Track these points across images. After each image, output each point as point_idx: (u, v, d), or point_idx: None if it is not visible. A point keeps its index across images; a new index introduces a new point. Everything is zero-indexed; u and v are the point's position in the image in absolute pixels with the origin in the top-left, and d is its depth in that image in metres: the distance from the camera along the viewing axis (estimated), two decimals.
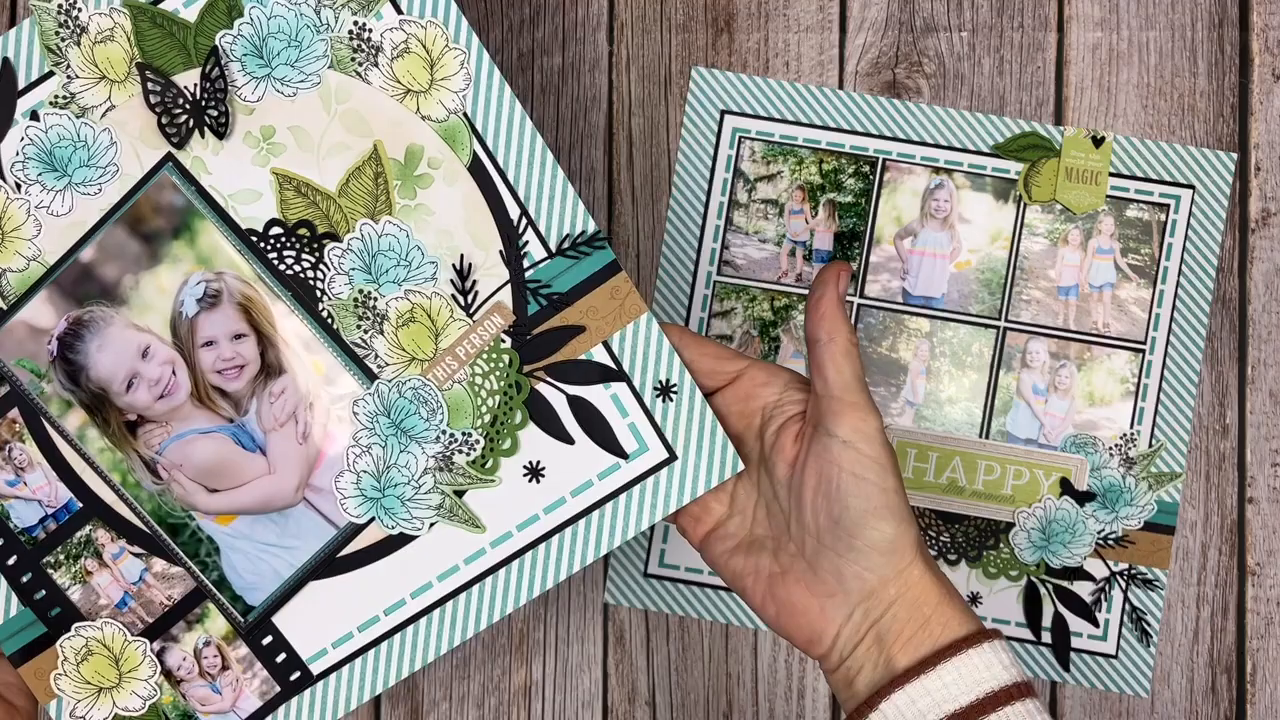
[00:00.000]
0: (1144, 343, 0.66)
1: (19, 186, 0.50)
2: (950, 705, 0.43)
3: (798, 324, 0.67)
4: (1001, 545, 0.66)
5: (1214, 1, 0.67)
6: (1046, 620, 0.66)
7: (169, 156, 0.49)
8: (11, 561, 0.51)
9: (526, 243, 0.50)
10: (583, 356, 0.50)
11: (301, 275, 0.49)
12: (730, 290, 0.67)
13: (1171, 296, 0.66)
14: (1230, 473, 0.67)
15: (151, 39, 0.49)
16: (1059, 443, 0.66)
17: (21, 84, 0.50)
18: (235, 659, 0.51)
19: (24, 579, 0.51)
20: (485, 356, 0.50)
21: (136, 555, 0.51)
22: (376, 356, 0.50)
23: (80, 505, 0.51)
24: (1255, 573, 0.66)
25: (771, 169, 0.67)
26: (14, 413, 0.51)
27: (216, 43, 0.49)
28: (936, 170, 0.67)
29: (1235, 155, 0.67)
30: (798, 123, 0.67)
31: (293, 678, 0.51)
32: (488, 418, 0.50)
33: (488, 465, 0.50)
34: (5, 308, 0.50)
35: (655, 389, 0.50)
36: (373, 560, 0.51)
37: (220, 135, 0.49)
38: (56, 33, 0.49)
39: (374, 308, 0.50)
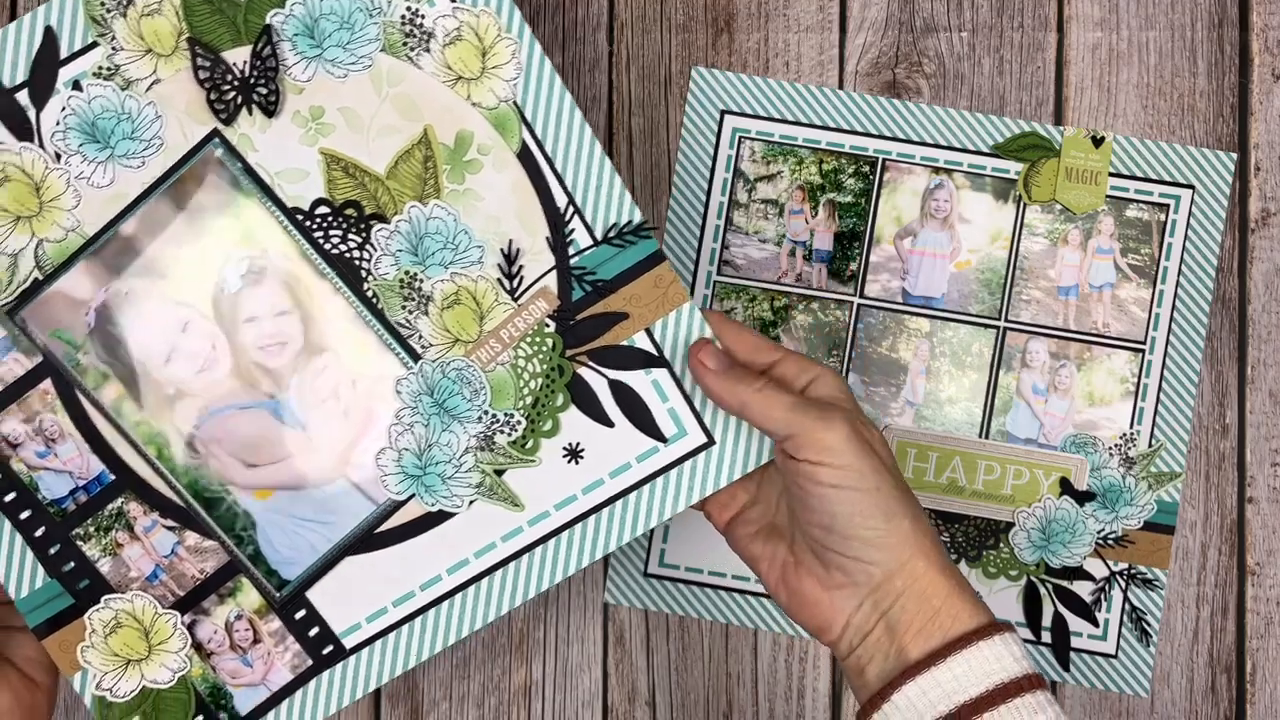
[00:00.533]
0: (1144, 343, 0.66)
1: (59, 156, 0.49)
2: (961, 696, 0.44)
3: (797, 324, 0.67)
4: (1001, 545, 0.66)
5: (1214, 1, 0.67)
6: (1046, 620, 0.66)
7: (215, 132, 0.49)
8: (39, 533, 0.51)
9: (573, 230, 0.50)
10: (625, 342, 0.51)
11: (347, 255, 0.49)
12: (730, 290, 0.67)
13: (1171, 296, 0.66)
14: (1230, 472, 0.67)
15: (201, 14, 0.49)
16: (1059, 442, 0.66)
17: (64, 53, 0.49)
18: (267, 632, 0.51)
19: (52, 550, 0.51)
20: (529, 340, 0.51)
21: (169, 528, 0.51)
22: (421, 337, 0.50)
23: (113, 478, 0.51)
24: (1255, 572, 0.67)
25: (771, 169, 0.67)
26: (46, 384, 0.50)
27: (268, 21, 0.49)
28: (936, 170, 0.67)
29: (1235, 155, 0.67)
30: (798, 123, 0.67)
31: (325, 651, 0.51)
32: (529, 399, 0.51)
33: (528, 446, 0.51)
34: (41, 278, 0.49)
35: None
36: (410, 536, 0.51)
37: (269, 113, 0.49)
38: (102, 3, 0.49)
39: (419, 289, 0.50)
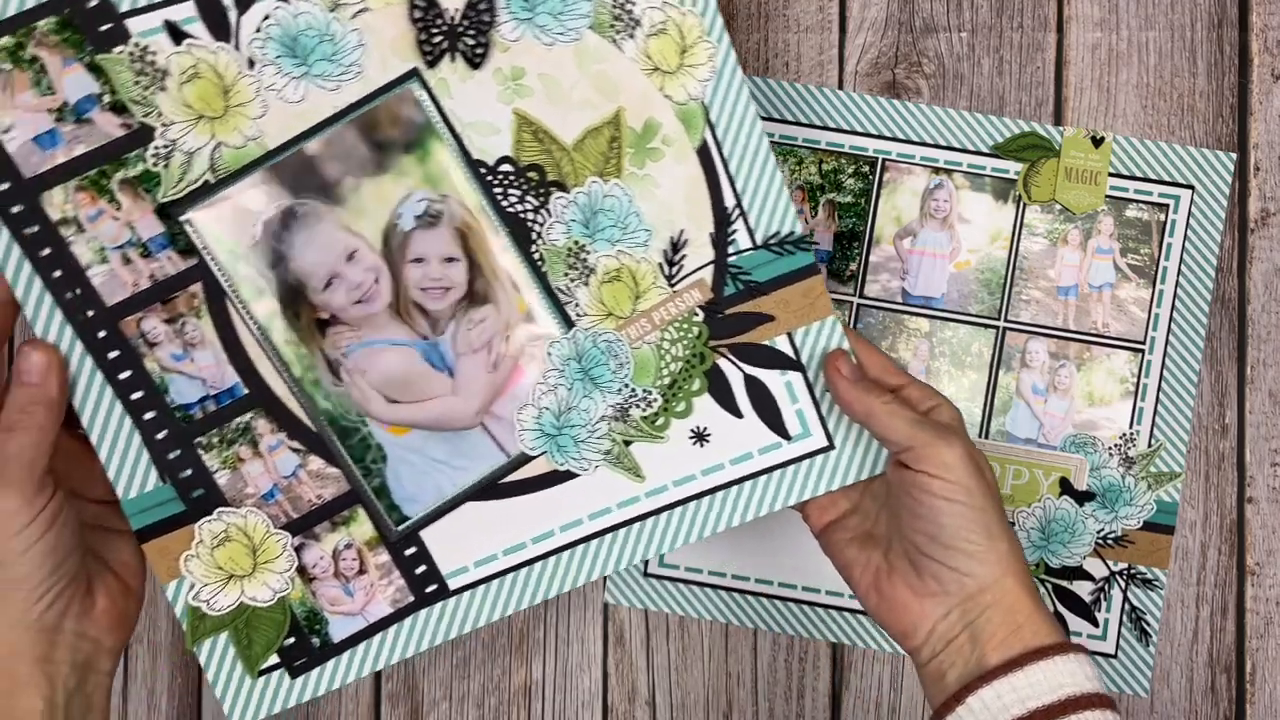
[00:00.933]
0: (1143, 343, 0.66)
1: (252, 63, 0.48)
2: (1033, 703, 0.46)
3: None
4: None
5: (1213, 2, 0.67)
6: None
7: (415, 72, 0.49)
8: (161, 436, 0.50)
9: (735, 230, 0.52)
10: (766, 342, 0.53)
11: (521, 215, 0.50)
12: None
13: (1171, 296, 0.66)
14: (1230, 472, 0.67)
15: None
16: (1058, 442, 0.66)
17: None
18: (374, 564, 0.52)
19: (171, 455, 0.50)
20: (677, 324, 0.52)
21: (294, 450, 0.51)
22: (577, 305, 0.51)
23: (246, 392, 0.50)
24: (1254, 572, 0.67)
25: None
26: (196, 287, 0.49)
27: None
28: (936, 170, 0.67)
29: (1234, 155, 0.67)
30: (797, 123, 0.67)
31: (429, 589, 0.52)
32: (667, 380, 0.53)
33: (659, 423, 0.52)
34: (213, 180, 0.48)
35: None
36: (532, 490, 0.52)
37: (474, 65, 0.49)
38: None
39: (584, 260, 0.51)
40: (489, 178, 0.50)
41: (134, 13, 0.47)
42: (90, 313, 0.48)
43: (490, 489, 0.52)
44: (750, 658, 0.67)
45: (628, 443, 0.53)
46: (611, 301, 0.52)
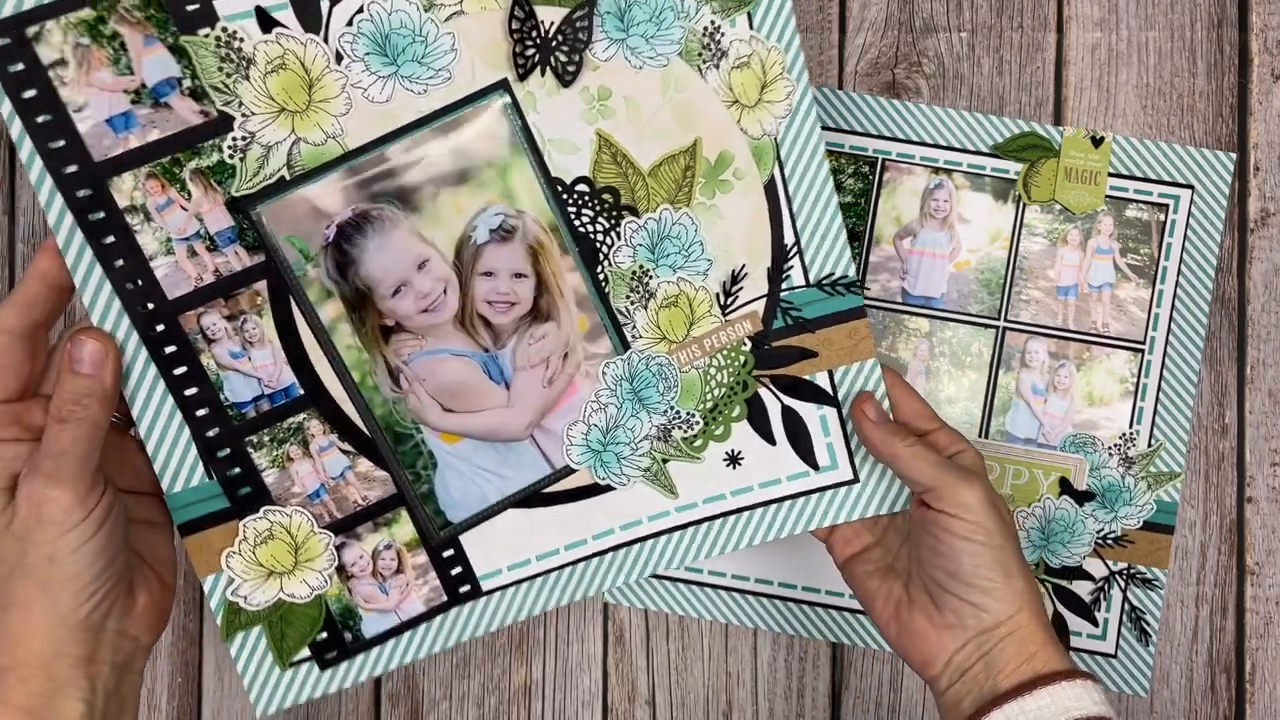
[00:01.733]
0: (1143, 342, 0.66)
1: (340, 58, 0.46)
2: None
3: None
4: None
5: (1213, 2, 0.67)
6: None
7: (505, 83, 0.48)
8: (211, 433, 0.49)
9: (791, 267, 0.53)
10: (807, 377, 0.55)
11: (592, 236, 0.50)
12: None
13: (1171, 296, 0.66)
14: (1229, 472, 0.67)
15: None
16: (1058, 442, 0.66)
17: None
18: (411, 565, 0.52)
19: (221, 453, 0.49)
20: (725, 353, 0.54)
21: (344, 452, 0.50)
22: (634, 327, 0.52)
23: (301, 393, 0.50)
24: (1254, 572, 0.67)
25: None
26: (260, 285, 0.48)
27: None
28: (936, 170, 0.67)
29: (1234, 155, 0.67)
30: None
31: (463, 590, 0.53)
32: (710, 404, 0.54)
33: (697, 444, 0.54)
34: (289, 177, 0.46)
35: None
36: (570, 501, 0.53)
37: (565, 82, 0.49)
38: None
39: (646, 284, 0.52)
40: (565, 196, 0.50)
41: None
42: (150, 305, 0.47)
43: (531, 498, 0.53)
44: (750, 658, 0.67)
45: (666, 461, 0.54)
46: (667, 326, 0.53)
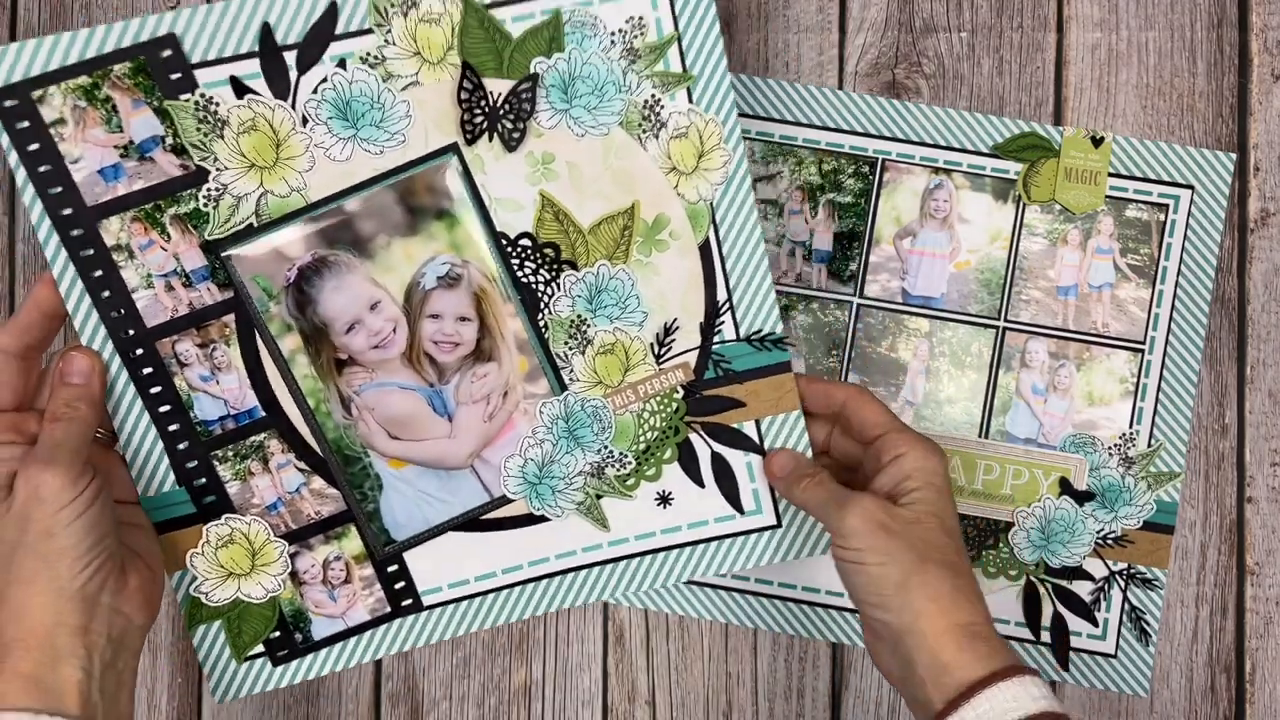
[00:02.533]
0: (1143, 342, 0.66)
1: (305, 121, 0.52)
2: None
3: (797, 324, 0.67)
4: (1001, 545, 0.66)
5: (1213, 2, 0.67)
6: (1046, 620, 0.66)
7: (455, 147, 0.53)
8: (182, 446, 0.55)
9: (723, 323, 0.58)
10: (735, 425, 0.59)
11: (534, 286, 0.55)
12: None
13: (1171, 296, 0.66)
14: (1229, 472, 0.67)
15: (475, 37, 0.53)
16: (1058, 442, 0.66)
17: (339, 30, 0.52)
18: (358, 576, 0.58)
19: (189, 464, 0.55)
20: (659, 399, 0.58)
21: (300, 470, 0.56)
22: (572, 371, 0.57)
23: (263, 414, 0.55)
24: (1254, 572, 0.67)
25: (771, 169, 0.67)
26: (229, 318, 0.54)
27: (533, 67, 0.53)
28: (936, 170, 0.67)
29: (1234, 155, 0.67)
30: (797, 123, 0.67)
31: (404, 604, 0.58)
32: (642, 446, 0.58)
33: (629, 483, 0.58)
34: (256, 225, 0.52)
35: None
36: (508, 528, 0.58)
37: (510, 148, 0.54)
38: None
39: (584, 332, 0.57)
40: (509, 249, 0.55)
41: (203, 65, 0.51)
42: (131, 331, 0.53)
43: (471, 523, 0.58)
44: (750, 658, 0.67)
45: (599, 496, 0.58)
46: (603, 371, 0.57)
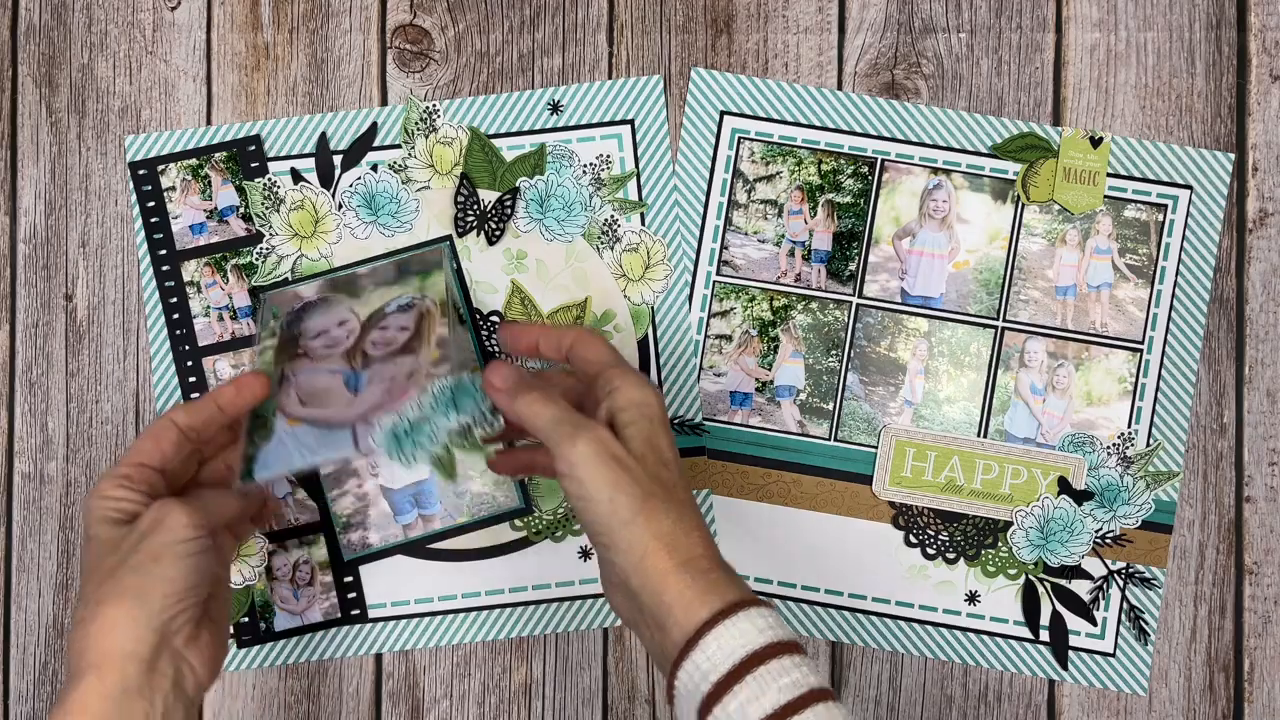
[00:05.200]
0: (1142, 342, 0.66)
1: (340, 206, 0.67)
2: (714, 676, 0.47)
3: (796, 324, 0.67)
4: (1000, 544, 0.66)
5: (1212, 3, 0.68)
6: (1044, 619, 0.66)
7: (449, 237, 0.67)
8: None
9: None
10: None
11: (496, 354, 0.67)
12: (729, 290, 0.67)
13: (1169, 296, 0.66)
14: (1228, 472, 0.67)
15: (476, 157, 0.67)
16: (1057, 442, 0.66)
17: (376, 142, 0.68)
18: (320, 581, 0.67)
19: None
20: None
21: (290, 481, 0.67)
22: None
23: None
24: (1253, 571, 0.67)
25: (770, 169, 0.67)
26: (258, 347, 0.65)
27: (518, 183, 0.67)
28: (935, 171, 0.67)
29: (1233, 156, 0.67)
30: (797, 123, 0.67)
31: (353, 613, 0.67)
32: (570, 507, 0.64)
33: (558, 534, 0.67)
34: (290, 278, 0.67)
35: None
36: (450, 560, 0.67)
37: (491, 242, 0.67)
38: (417, 123, 0.67)
39: None
40: (480, 321, 0.67)
41: (275, 159, 0.68)
42: (187, 346, 0.67)
43: (418, 549, 0.67)
44: None
45: (452, 452, 0.67)
46: None
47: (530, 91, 0.67)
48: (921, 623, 0.66)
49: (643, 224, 0.67)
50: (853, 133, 0.67)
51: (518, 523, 0.67)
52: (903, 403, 0.67)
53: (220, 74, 0.68)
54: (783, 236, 0.67)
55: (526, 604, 0.67)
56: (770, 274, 0.67)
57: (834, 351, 0.67)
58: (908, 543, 0.66)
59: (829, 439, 0.67)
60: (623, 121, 0.67)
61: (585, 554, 0.67)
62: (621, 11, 0.68)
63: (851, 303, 0.67)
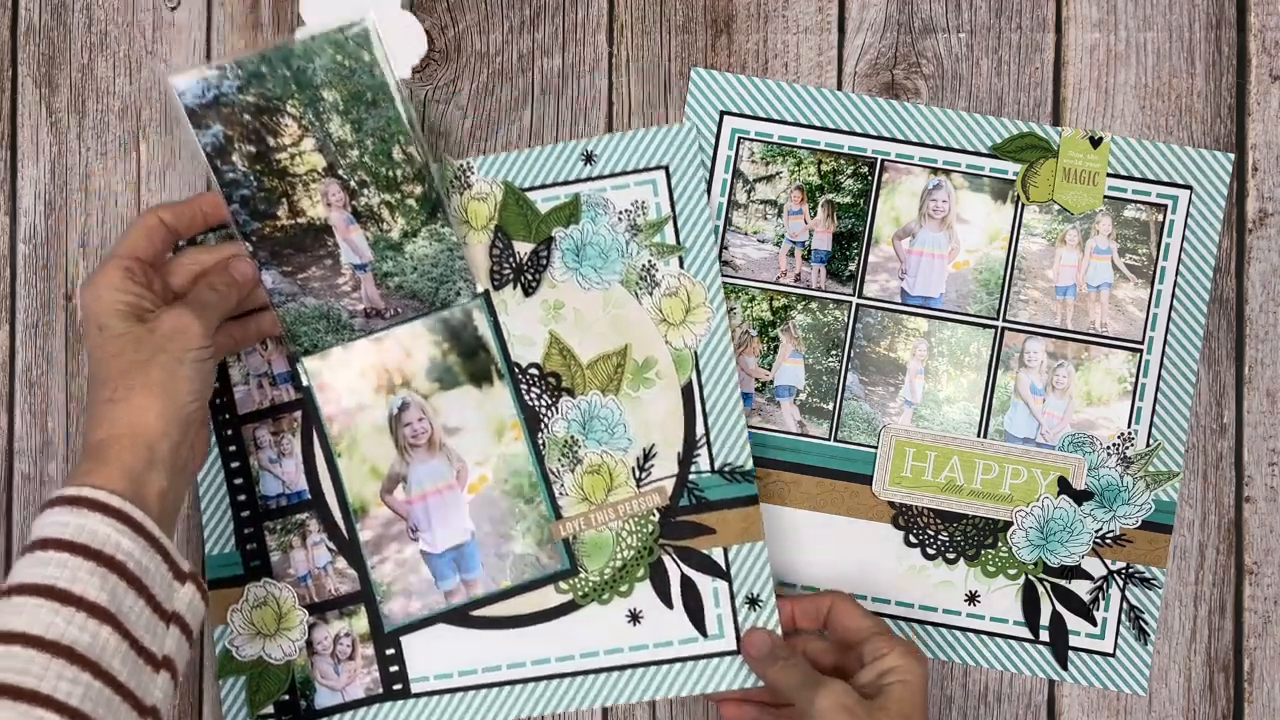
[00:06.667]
0: (1141, 342, 0.66)
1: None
2: None
3: (796, 324, 0.67)
4: (999, 544, 0.66)
5: (1211, 3, 0.68)
6: (1044, 619, 0.66)
7: (487, 291, 0.66)
8: (245, 514, 0.65)
9: (699, 455, 0.65)
10: (705, 551, 0.64)
11: (536, 408, 0.65)
12: (729, 290, 0.67)
13: (1169, 296, 0.66)
14: (1228, 472, 0.67)
15: (511, 211, 0.66)
16: (1057, 442, 0.66)
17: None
18: (361, 655, 0.65)
19: (247, 530, 0.65)
20: (636, 519, 0.65)
21: (330, 550, 0.65)
22: (563, 485, 0.65)
23: (309, 497, 0.65)
24: (1252, 571, 0.67)
25: (770, 170, 0.67)
26: (297, 414, 0.66)
27: (552, 234, 0.66)
28: (934, 171, 0.67)
29: (1232, 156, 0.67)
30: (797, 123, 0.67)
31: (395, 687, 0.65)
32: (619, 563, 0.64)
33: (605, 597, 0.65)
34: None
35: (747, 598, 0.64)
36: (492, 627, 0.65)
37: (528, 294, 0.66)
38: (453, 179, 0.66)
39: (575, 452, 0.65)
40: (519, 375, 0.65)
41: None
42: (227, 415, 0.66)
43: (461, 618, 0.65)
44: None
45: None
46: (589, 488, 0.65)
47: (563, 143, 0.67)
48: (921, 623, 0.66)
49: (681, 267, 0.65)
50: (853, 133, 0.67)
51: (563, 585, 0.65)
52: (902, 403, 0.67)
53: None
54: (782, 237, 0.67)
55: (574, 674, 0.64)
56: (770, 274, 0.67)
57: (834, 352, 0.67)
58: (907, 543, 0.66)
59: (829, 439, 0.67)
60: (657, 167, 0.66)
61: (634, 618, 0.64)
62: (621, 11, 0.68)
63: (851, 303, 0.67)
